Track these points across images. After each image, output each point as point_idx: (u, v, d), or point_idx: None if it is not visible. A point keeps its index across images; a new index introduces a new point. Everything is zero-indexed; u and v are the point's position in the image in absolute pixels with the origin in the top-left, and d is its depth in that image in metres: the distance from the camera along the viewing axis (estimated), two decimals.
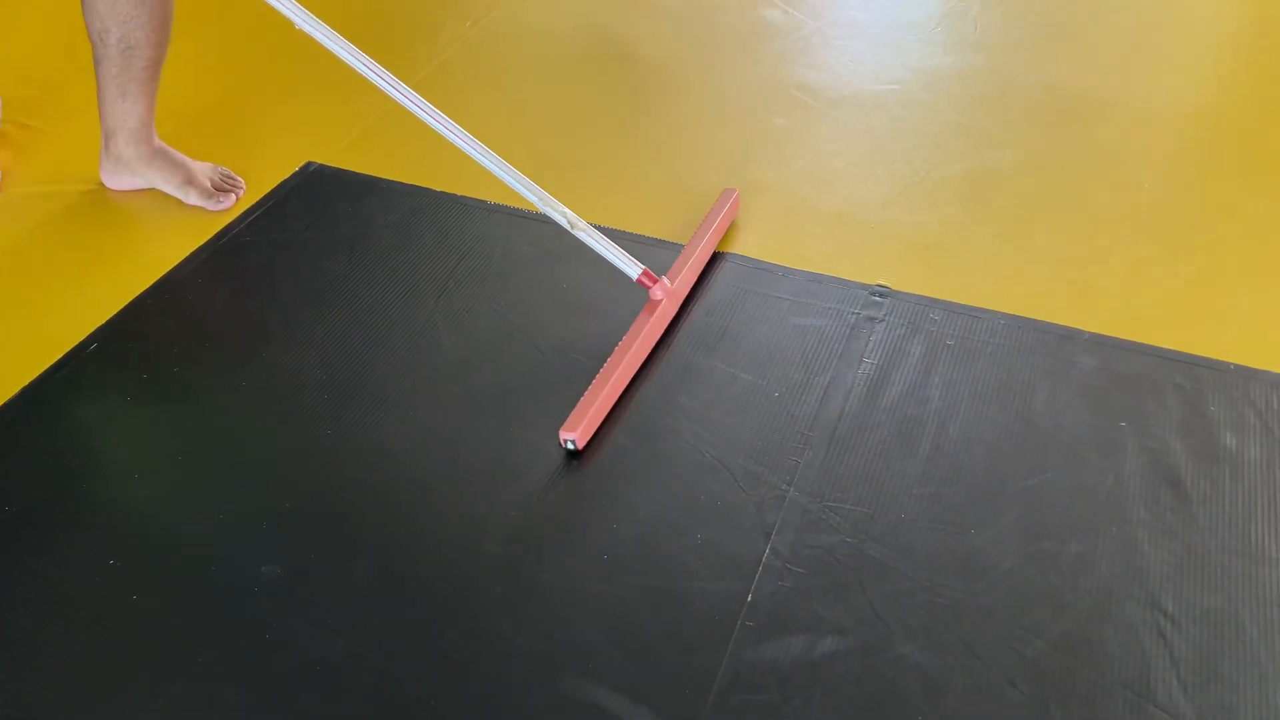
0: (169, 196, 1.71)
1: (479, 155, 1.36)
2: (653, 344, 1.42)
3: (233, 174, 1.75)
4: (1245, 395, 1.35)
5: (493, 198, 1.71)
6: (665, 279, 1.44)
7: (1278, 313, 1.48)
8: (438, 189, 1.74)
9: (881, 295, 1.52)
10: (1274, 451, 1.27)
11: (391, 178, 1.77)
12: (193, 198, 1.70)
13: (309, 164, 1.80)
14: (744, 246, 1.62)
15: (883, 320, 1.48)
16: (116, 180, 1.74)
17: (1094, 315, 1.48)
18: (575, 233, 1.39)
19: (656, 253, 1.59)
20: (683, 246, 1.57)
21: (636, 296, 1.48)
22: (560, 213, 1.38)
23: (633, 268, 1.42)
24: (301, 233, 1.66)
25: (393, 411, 1.35)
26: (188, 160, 1.72)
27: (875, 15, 2.24)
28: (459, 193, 1.73)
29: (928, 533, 1.19)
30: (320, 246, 1.63)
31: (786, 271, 1.57)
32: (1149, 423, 1.32)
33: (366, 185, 1.76)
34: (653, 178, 1.80)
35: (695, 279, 1.53)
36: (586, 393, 1.31)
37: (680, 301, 1.48)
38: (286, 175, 1.77)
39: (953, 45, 2.12)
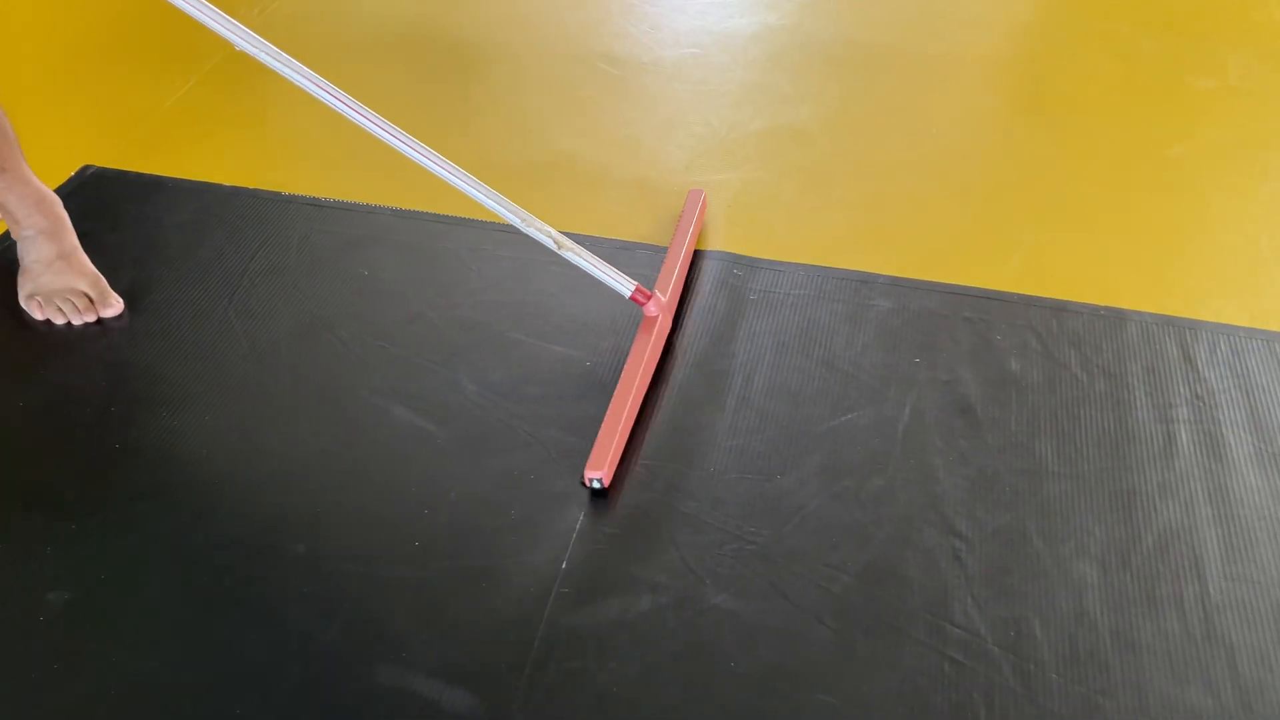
0: None
1: (456, 179, 1.27)
2: (655, 363, 1.35)
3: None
4: (1028, 322, 1.42)
5: (289, 189, 1.65)
6: (658, 293, 1.37)
7: (1055, 244, 1.57)
8: (230, 185, 1.67)
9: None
10: (1054, 372, 1.35)
11: (182, 176, 1.69)
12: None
13: (86, 168, 1.70)
14: (554, 219, 1.61)
15: (688, 281, 1.50)
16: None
17: (889, 259, 1.53)
18: (562, 253, 1.31)
19: (459, 231, 1.57)
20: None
21: (438, 276, 1.46)
22: (545, 233, 1.30)
23: (625, 285, 1.33)
24: (80, 240, 1.56)
25: (188, 416, 1.29)
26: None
27: None
28: (254, 186, 1.66)
29: (736, 483, 1.22)
30: (100, 253, 1.53)
31: (595, 240, 1.56)
32: (941, 356, 1.37)
33: (152, 186, 1.67)
34: (459, 156, 1.77)
35: (681, 290, 1.46)
36: (604, 426, 1.24)
37: (673, 314, 1.42)
38: (61, 181, 1.67)
39: (749, 7, 2.15)
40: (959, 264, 1.53)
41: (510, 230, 1.57)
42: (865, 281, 1.49)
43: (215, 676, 1.04)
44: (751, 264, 1.52)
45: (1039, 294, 1.46)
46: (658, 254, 1.53)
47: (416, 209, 1.61)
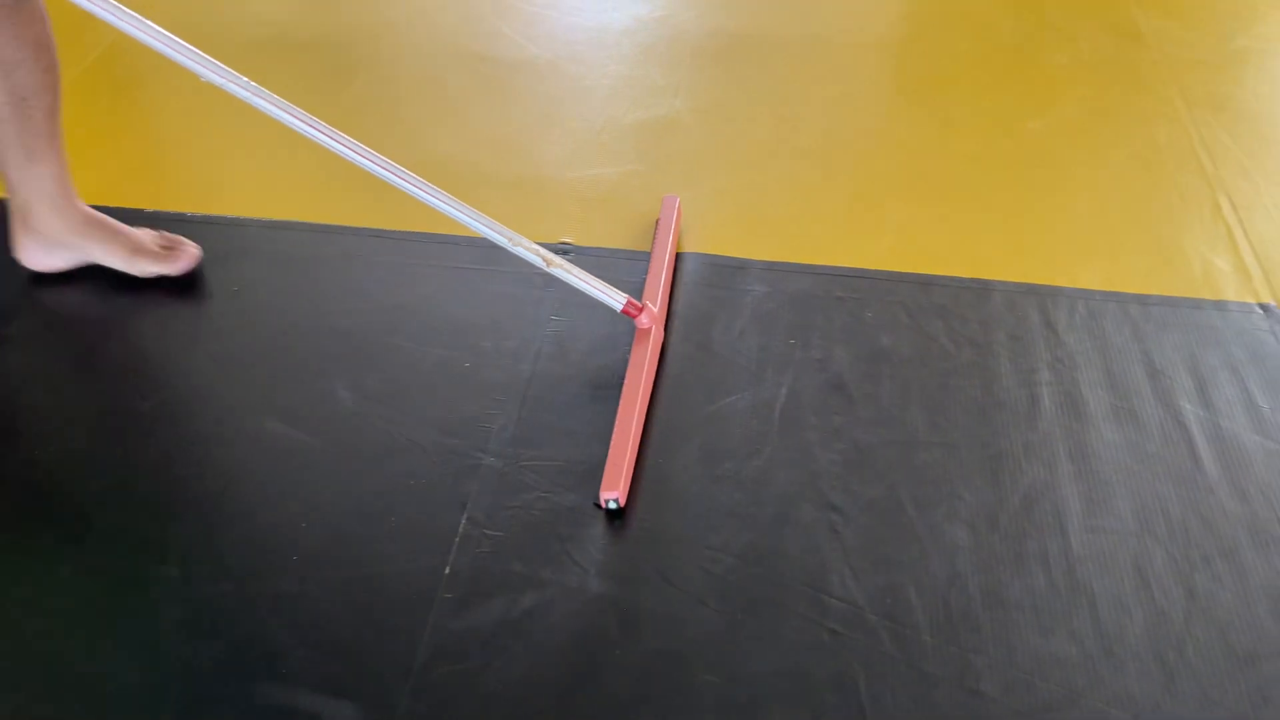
0: None
1: (439, 201, 1.26)
2: (654, 375, 1.34)
3: (173, 236, 1.50)
4: (898, 298, 1.46)
5: (153, 205, 1.60)
6: (649, 304, 1.37)
7: (923, 220, 1.61)
8: (91, 203, 1.62)
9: (565, 252, 1.54)
10: (923, 345, 1.39)
11: None
12: (147, 266, 1.45)
13: None
14: (426, 223, 1.60)
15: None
16: (45, 260, 1.44)
17: (764, 244, 1.56)
18: (552, 270, 1.30)
19: (333, 240, 1.55)
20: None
21: (312, 287, 1.44)
22: (534, 252, 1.28)
23: (616, 299, 1.33)
24: None
25: (51, 445, 1.25)
26: (124, 226, 1.46)
27: None
28: (116, 204, 1.61)
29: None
30: None
31: (470, 241, 1.56)
32: (815, 336, 1.40)
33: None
34: (328, 162, 1.74)
35: (668, 299, 1.45)
36: (613, 444, 1.22)
37: (663, 324, 1.41)
38: None
39: (621, 1, 2.16)
40: (832, 245, 1.56)
41: (386, 236, 1.57)
42: (741, 267, 1.52)
43: (89, 709, 1.01)
44: (630, 256, 1.53)
45: (908, 270, 1.50)
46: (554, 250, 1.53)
47: (289, 219, 1.58)
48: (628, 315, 1.35)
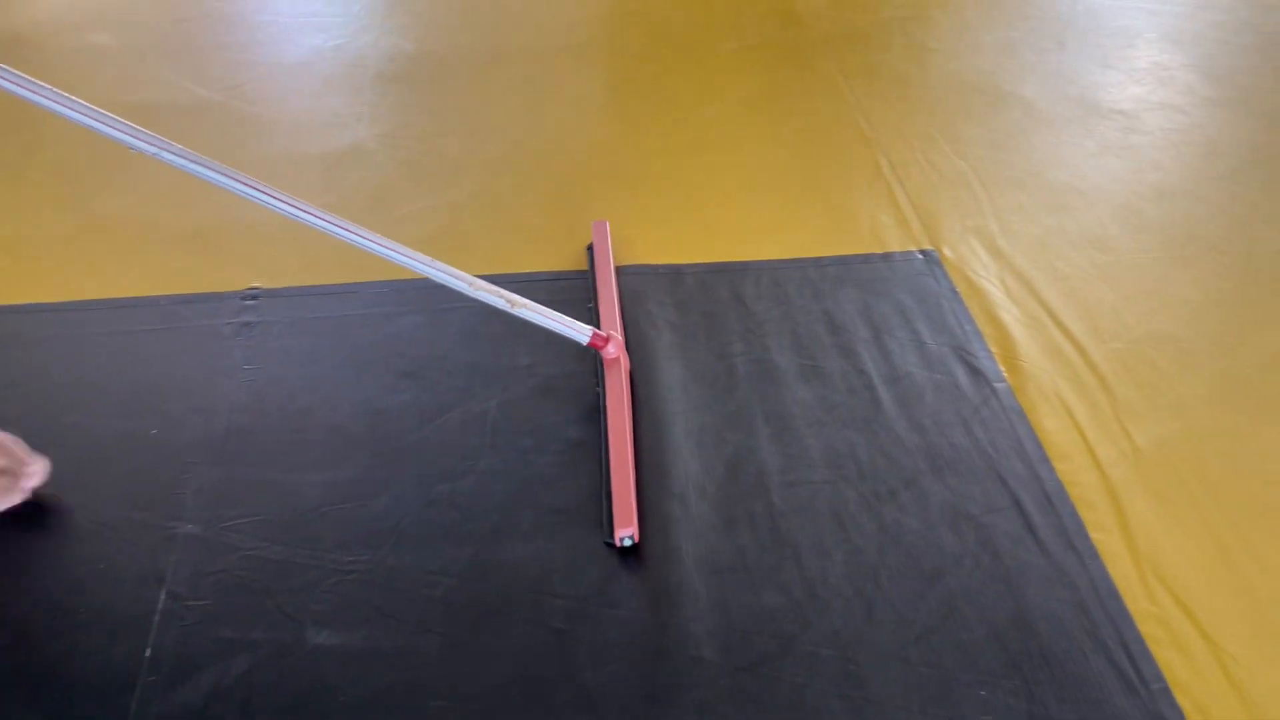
0: None
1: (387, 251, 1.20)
2: (630, 402, 1.31)
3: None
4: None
5: None
6: (615, 334, 1.35)
7: (614, 215, 1.65)
8: None
9: (254, 298, 1.48)
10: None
11: None
12: None
13: None
14: (91, 288, 1.49)
15: (259, 323, 1.44)
16: None
17: (467, 261, 1.55)
18: (516, 311, 1.27)
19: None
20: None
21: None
22: (498, 295, 1.25)
23: (583, 333, 1.31)
24: None
25: None
26: None
27: (194, 25, 2.17)
28: None
29: (331, 516, 1.19)
30: None
31: (153, 301, 1.47)
32: (522, 344, 1.41)
33: None
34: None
35: (622, 325, 1.43)
36: (615, 483, 1.19)
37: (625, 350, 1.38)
38: None
39: (293, 32, 2.11)
40: (534, 252, 1.58)
41: (45, 310, 1.45)
42: (441, 287, 1.50)
43: None
44: (323, 292, 1.49)
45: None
46: (219, 302, 1.46)
47: None
48: (594, 347, 1.33)
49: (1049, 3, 2.26)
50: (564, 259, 1.56)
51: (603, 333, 1.34)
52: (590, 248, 1.57)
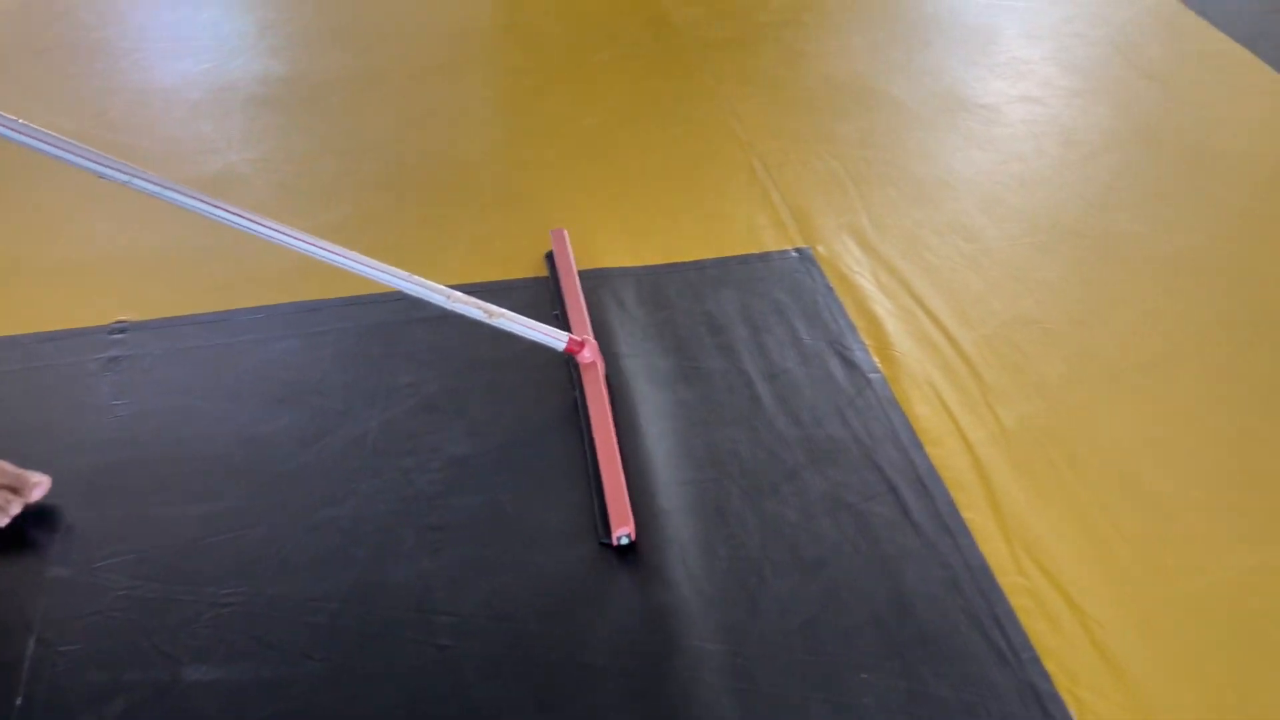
0: None
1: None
2: (609, 403, 1.32)
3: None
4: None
5: None
6: (590, 338, 1.36)
7: (494, 232, 1.65)
8: None
9: (122, 331, 1.44)
10: (498, 351, 1.42)
11: None
12: None
13: None
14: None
15: (128, 357, 1.40)
16: None
17: (339, 283, 1.54)
18: (493, 321, 1.28)
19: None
20: None
21: None
22: (475, 306, 1.26)
23: (558, 340, 1.32)
24: None
25: None
26: None
27: (55, 55, 2.11)
28: None
29: (209, 548, 1.17)
30: None
31: (13, 341, 1.42)
32: (401, 363, 1.40)
33: None
34: None
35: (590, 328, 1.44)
36: (607, 485, 1.21)
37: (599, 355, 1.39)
38: None
39: (162, 57, 2.06)
40: (410, 268, 1.56)
41: None
42: (316, 309, 1.49)
43: None
44: (194, 322, 1.46)
45: (479, 280, 1.54)
46: (86, 337, 1.42)
47: None
48: (570, 353, 1.34)
49: (915, 4, 2.34)
50: (444, 273, 1.54)
51: (578, 338, 1.35)
52: (550, 255, 1.59)
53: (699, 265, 1.58)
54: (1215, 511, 1.22)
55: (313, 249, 1.19)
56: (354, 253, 1.22)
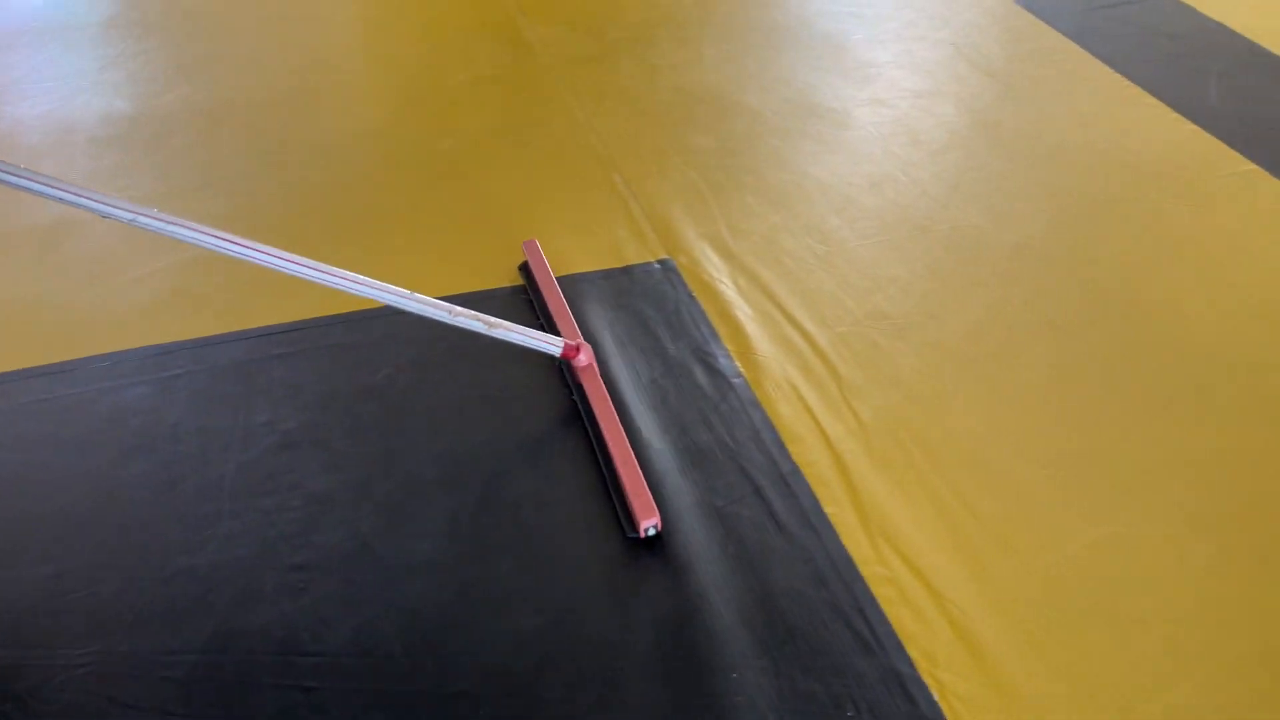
0: None
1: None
2: (610, 401, 1.34)
3: None
4: (329, 342, 1.47)
5: None
6: (584, 341, 1.39)
7: (357, 260, 1.62)
8: None
9: None
10: (363, 380, 1.41)
11: None
12: None
13: None
14: None
15: None
16: None
17: (196, 323, 1.50)
18: (493, 332, 1.29)
19: None
20: None
21: None
22: (475, 319, 1.28)
23: (555, 345, 1.35)
24: None
25: None
26: None
27: None
28: None
29: (59, 609, 1.12)
30: None
31: None
32: (259, 400, 1.37)
33: None
34: None
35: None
36: (625, 480, 1.23)
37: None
38: None
39: (87, 89, 1.98)
40: (267, 306, 1.53)
41: None
42: (168, 353, 1.45)
43: None
44: (35, 374, 1.40)
45: (338, 311, 1.51)
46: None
47: None
48: (567, 357, 1.37)
49: (765, 14, 2.39)
50: (305, 306, 1.52)
51: (573, 343, 1.36)
52: (524, 266, 1.61)
53: (565, 280, 1.59)
54: (1062, 489, 1.27)
55: (314, 274, 1.22)
56: (355, 274, 1.24)
